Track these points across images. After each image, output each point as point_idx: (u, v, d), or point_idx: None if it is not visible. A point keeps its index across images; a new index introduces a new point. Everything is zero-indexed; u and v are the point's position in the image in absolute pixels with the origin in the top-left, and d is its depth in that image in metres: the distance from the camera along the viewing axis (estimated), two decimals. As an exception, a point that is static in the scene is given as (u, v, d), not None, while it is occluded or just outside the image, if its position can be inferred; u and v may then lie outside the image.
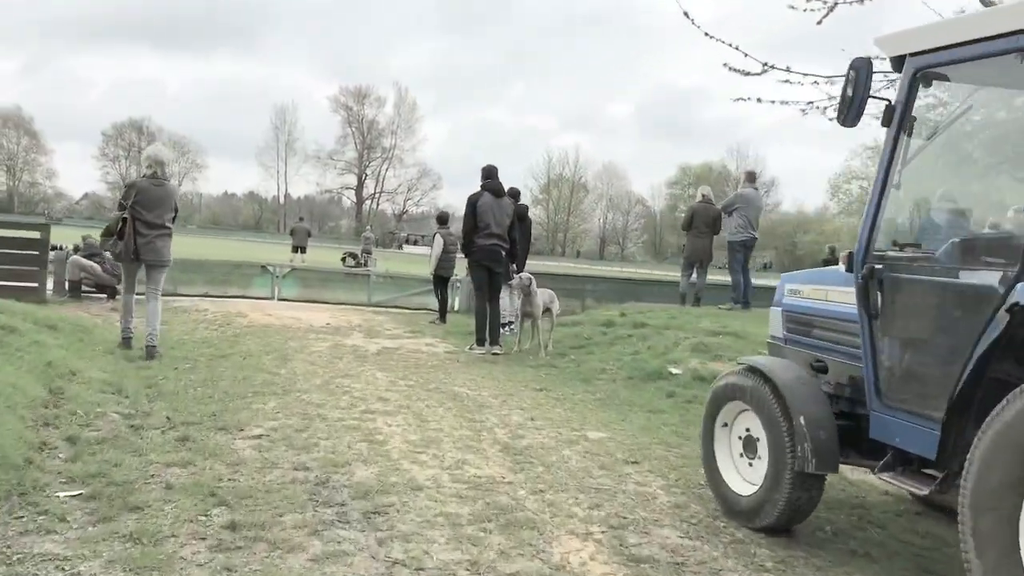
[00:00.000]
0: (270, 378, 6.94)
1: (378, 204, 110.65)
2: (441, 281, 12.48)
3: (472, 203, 9.28)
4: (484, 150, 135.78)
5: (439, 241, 12.18)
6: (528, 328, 9.92)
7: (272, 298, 13.99)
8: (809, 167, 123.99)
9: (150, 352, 7.61)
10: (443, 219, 12.55)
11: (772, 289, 5.54)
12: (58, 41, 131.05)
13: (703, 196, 12.24)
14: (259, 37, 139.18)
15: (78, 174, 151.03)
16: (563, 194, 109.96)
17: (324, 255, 44.27)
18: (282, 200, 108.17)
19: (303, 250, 30.40)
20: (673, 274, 17.91)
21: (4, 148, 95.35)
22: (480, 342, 9.28)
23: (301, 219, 35.41)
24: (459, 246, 10.17)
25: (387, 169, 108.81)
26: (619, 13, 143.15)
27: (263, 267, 14.22)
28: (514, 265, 9.85)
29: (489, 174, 9.47)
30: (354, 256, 27.14)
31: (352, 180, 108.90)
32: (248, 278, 14.00)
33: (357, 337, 9.96)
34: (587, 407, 6.82)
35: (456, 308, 14.38)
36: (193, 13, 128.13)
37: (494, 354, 9.14)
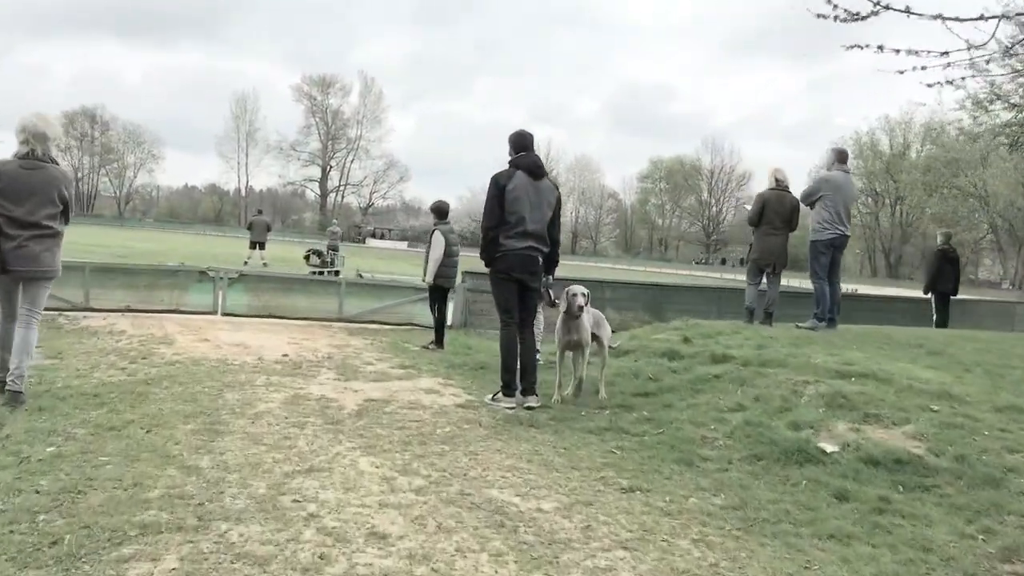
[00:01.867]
0: (179, 482, 4.00)
1: (343, 197, 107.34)
2: (440, 294, 9.55)
3: (499, 186, 6.36)
4: (452, 143, 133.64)
5: (439, 240, 9.25)
6: (568, 365, 7.05)
7: (215, 312, 10.94)
8: (775, 162, 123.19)
9: (14, 398, 5.25)
10: (442, 211, 9.57)
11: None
12: (17, 30, 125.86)
13: (776, 181, 9.38)
14: (225, 27, 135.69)
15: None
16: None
17: (286, 251, 40.99)
18: (243, 192, 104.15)
19: (262, 246, 27.25)
20: (662, 271, 15.30)
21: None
22: (508, 390, 6.35)
23: (260, 212, 32.20)
24: (481, 249, 6.73)
25: (352, 161, 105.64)
26: (587, 9, 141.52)
27: (203, 272, 11.13)
28: (548, 277, 6.92)
29: (522, 143, 6.58)
30: (319, 254, 23.99)
31: (316, 172, 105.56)
32: (184, 286, 10.92)
33: (327, 379, 6.99)
34: (724, 532, 3.96)
35: (450, 323, 11.50)
36: (157, 2, 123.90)
37: (529, 408, 6.24)
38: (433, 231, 9.40)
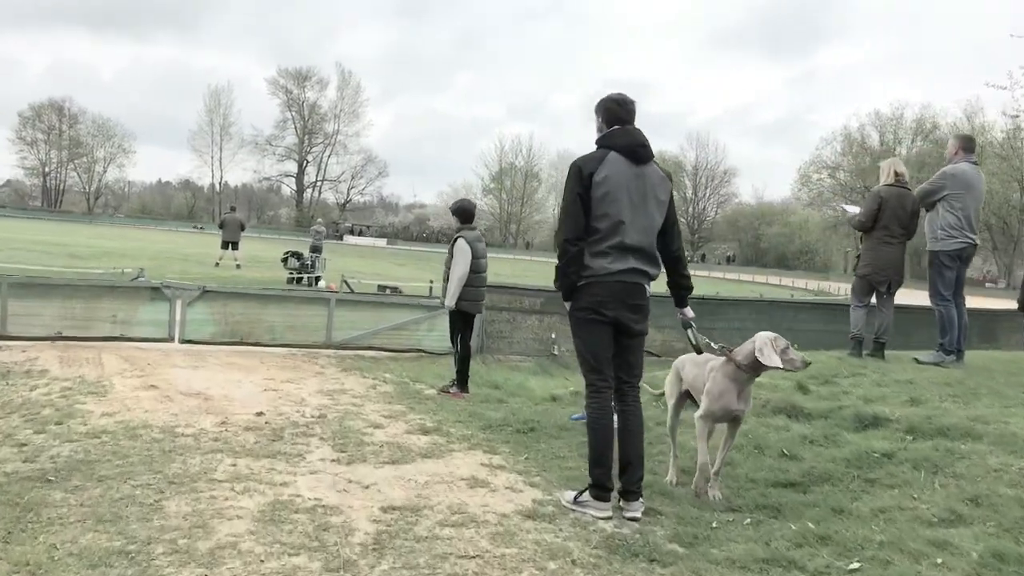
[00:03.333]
0: None
1: (320, 193, 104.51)
2: (464, 321, 7.37)
3: (583, 176, 4.18)
4: (431, 139, 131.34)
5: (464, 251, 7.07)
6: (687, 438, 4.94)
7: (171, 339, 8.71)
8: (756, 158, 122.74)
9: None
10: (467, 213, 7.33)
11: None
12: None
13: (896, 176, 7.28)
14: (201, 21, 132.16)
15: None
16: (515, 184, 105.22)
17: (262, 249, 38.53)
18: (218, 188, 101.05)
19: (235, 245, 24.94)
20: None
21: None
22: (601, 493, 4.15)
23: (232, 208, 29.74)
24: (557, 273, 4.34)
25: (330, 156, 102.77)
26: (568, 4, 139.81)
27: (156, 288, 8.86)
28: (687, 312, 4.71)
29: (618, 113, 4.38)
30: (298, 256, 21.67)
31: (292, 167, 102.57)
32: (133, 306, 8.67)
33: (321, 462, 4.78)
34: None
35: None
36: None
37: (632, 520, 4.10)
38: (456, 239, 7.21)
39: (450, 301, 7.11)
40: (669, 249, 4.49)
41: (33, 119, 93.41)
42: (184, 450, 4.79)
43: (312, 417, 5.86)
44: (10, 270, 15.47)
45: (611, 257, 4.22)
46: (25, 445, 4.76)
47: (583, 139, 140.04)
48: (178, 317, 8.73)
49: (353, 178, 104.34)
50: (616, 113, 4.41)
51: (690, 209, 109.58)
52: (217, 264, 24.47)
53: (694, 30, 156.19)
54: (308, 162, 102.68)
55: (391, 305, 10.30)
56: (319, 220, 32.02)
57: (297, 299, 9.68)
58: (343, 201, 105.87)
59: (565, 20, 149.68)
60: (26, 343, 8.02)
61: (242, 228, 25.92)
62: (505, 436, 5.73)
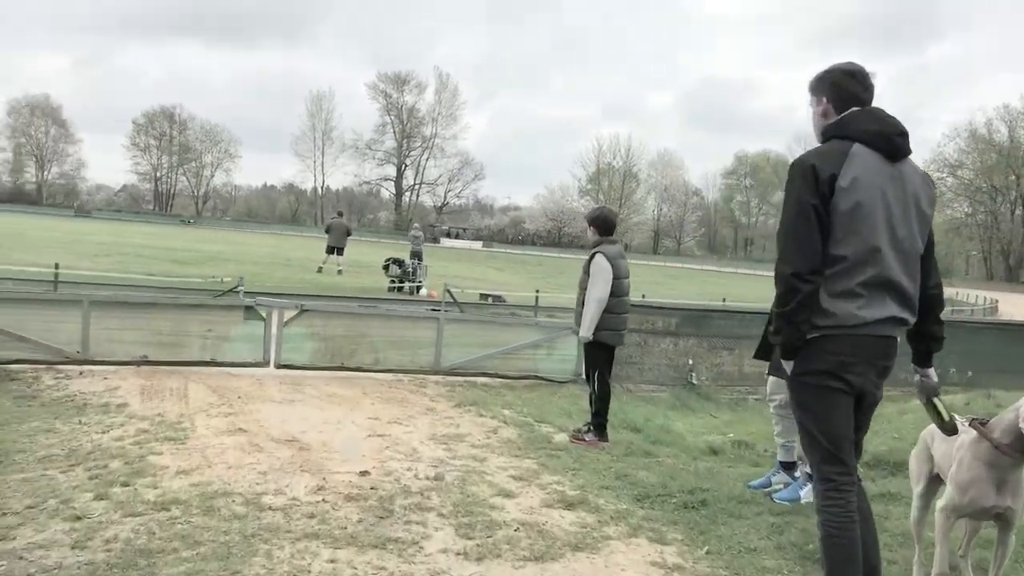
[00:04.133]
0: None
1: (418, 196, 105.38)
2: (604, 354, 6.11)
3: (821, 180, 2.87)
4: (525, 140, 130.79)
5: (604, 269, 5.82)
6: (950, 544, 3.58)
7: (266, 363, 7.80)
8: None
9: None
10: (608, 223, 6.06)
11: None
12: (108, 35, 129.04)
13: None
14: (305, 29, 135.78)
15: (109, 164, 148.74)
16: (613, 184, 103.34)
17: (363, 253, 38.30)
18: (320, 192, 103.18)
19: (340, 251, 24.40)
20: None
21: (32, 138, 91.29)
22: None
23: (339, 214, 29.13)
24: (774, 316, 2.99)
25: (427, 159, 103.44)
26: (661, 4, 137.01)
27: (250, 308, 7.97)
28: (930, 373, 3.33)
29: (850, 89, 3.04)
30: (400, 263, 20.87)
31: (391, 171, 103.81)
32: (225, 327, 7.80)
33: (441, 553, 3.61)
34: None
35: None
36: (241, 5, 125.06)
37: None
38: (594, 255, 5.96)
39: (586, 331, 5.86)
40: (924, 284, 3.13)
41: (146, 126, 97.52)
42: (271, 534, 3.73)
43: (427, 479, 4.74)
44: (110, 277, 15.19)
45: (863, 300, 2.91)
46: (80, 519, 3.81)
47: (682, 139, 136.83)
48: (274, 337, 7.82)
49: (450, 181, 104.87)
50: (849, 89, 3.09)
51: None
52: (320, 270, 24.03)
53: (796, 25, 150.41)
54: (406, 166, 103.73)
55: (504, 324, 9.13)
56: (416, 225, 31.37)
57: (403, 318, 8.63)
58: (440, 204, 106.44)
59: (662, 18, 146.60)
60: (109, 368, 7.24)
61: (348, 234, 25.43)
62: (670, 513, 4.46)
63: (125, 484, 4.31)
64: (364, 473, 4.75)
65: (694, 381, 9.11)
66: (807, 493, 4.76)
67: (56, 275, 13.75)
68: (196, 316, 7.76)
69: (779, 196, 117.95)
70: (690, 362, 9.24)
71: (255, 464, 4.81)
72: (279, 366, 7.78)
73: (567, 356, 8.70)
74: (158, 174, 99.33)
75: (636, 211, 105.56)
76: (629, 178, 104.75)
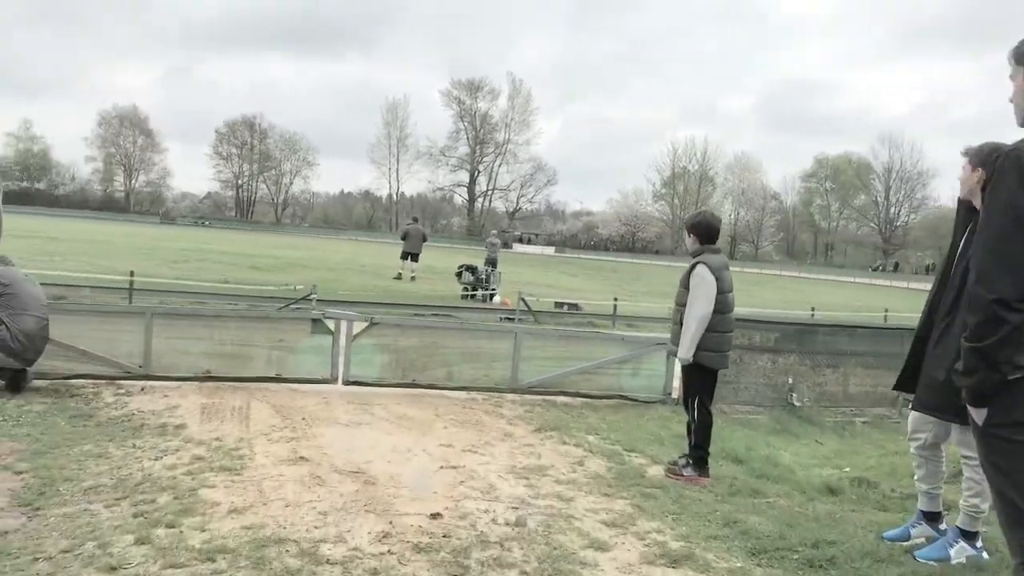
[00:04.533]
0: None
1: (490, 201, 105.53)
2: (706, 379, 5.39)
3: None
4: (597, 145, 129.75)
5: (707, 282, 5.12)
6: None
7: (334, 379, 7.35)
8: (954, 159, 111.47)
9: None
10: (710, 230, 5.36)
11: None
12: (198, 47, 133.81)
13: None
14: (382, 38, 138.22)
15: (194, 173, 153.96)
16: (689, 188, 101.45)
17: (436, 259, 38.13)
18: (395, 198, 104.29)
19: (415, 257, 24.16)
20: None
21: (121, 147, 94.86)
22: None
23: (415, 219, 28.69)
24: (971, 356, 2.33)
25: (500, 165, 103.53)
26: (741, 3, 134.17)
27: (317, 320, 7.52)
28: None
29: None
30: (473, 270, 20.41)
31: (464, 177, 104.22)
32: (292, 340, 7.38)
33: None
34: None
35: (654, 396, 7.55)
36: (321, 18, 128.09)
37: None
38: (695, 265, 5.27)
39: (686, 353, 5.17)
40: None
41: (228, 135, 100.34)
42: (327, 594, 3.19)
43: (507, 525, 4.14)
44: (187, 285, 15.16)
45: None
46: (115, 570, 3.34)
47: (760, 141, 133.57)
48: (342, 352, 7.36)
49: (522, 186, 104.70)
50: None
51: (881, 214, 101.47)
52: (399, 276, 23.80)
53: (878, 24, 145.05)
54: (479, 171, 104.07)
55: (586, 338, 8.48)
56: (493, 232, 30.83)
57: (477, 331, 8.07)
58: (512, 209, 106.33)
59: (739, 21, 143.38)
60: (171, 384, 6.89)
61: (424, 239, 25.18)
62: (792, 573, 3.76)
63: (171, 525, 3.84)
64: (436, 516, 4.18)
65: (795, 402, 8.30)
66: (958, 552, 3.99)
67: (131, 282, 13.72)
68: (262, 328, 7.37)
69: (861, 200, 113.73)
70: (790, 381, 8.42)
71: (315, 502, 4.29)
72: (347, 382, 7.31)
73: (655, 373, 8.01)
74: (239, 182, 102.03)
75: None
76: (705, 182, 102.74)
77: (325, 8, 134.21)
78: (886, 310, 20.40)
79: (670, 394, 7.97)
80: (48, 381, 6.73)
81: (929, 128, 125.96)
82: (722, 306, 5.19)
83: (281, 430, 5.77)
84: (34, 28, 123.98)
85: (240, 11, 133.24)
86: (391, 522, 4.05)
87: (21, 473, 4.52)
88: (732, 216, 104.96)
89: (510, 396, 7.61)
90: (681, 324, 5.27)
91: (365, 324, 7.44)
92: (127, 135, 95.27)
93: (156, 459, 4.97)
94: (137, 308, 7.13)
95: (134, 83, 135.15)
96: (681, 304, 5.29)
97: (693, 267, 5.26)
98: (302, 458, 5.08)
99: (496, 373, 7.77)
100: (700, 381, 5.31)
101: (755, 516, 4.54)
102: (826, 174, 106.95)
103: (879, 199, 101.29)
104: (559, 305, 18.70)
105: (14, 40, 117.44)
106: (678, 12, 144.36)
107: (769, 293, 35.23)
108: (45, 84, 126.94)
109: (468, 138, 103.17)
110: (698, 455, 5.31)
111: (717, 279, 5.16)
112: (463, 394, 7.51)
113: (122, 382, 6.88)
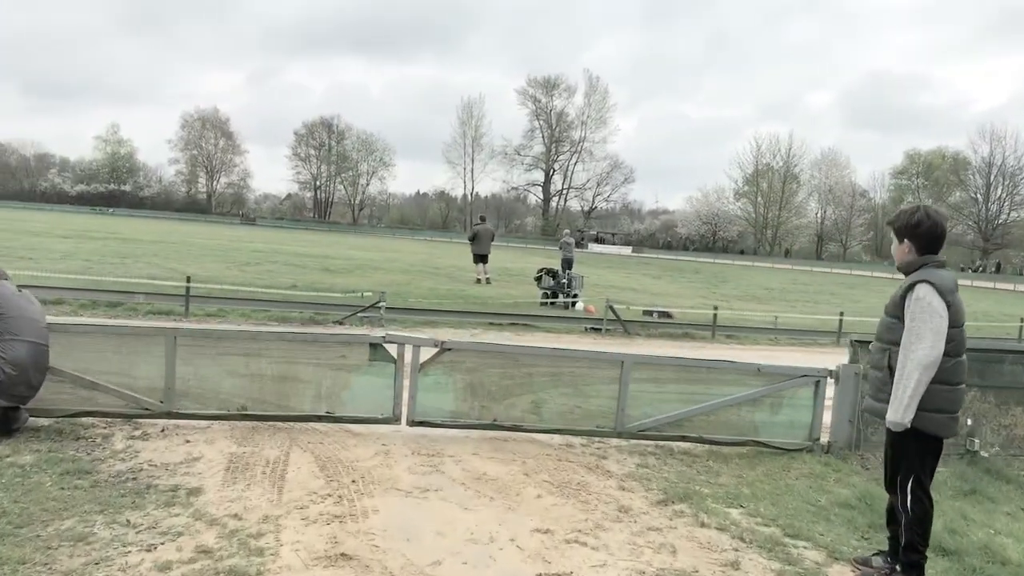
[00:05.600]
0: None
1: (565, 200, 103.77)
2: (927, 451, 3.62)
3: None
4: (674, 143, 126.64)
5: (937, 312, 3.46)
6: None
7: (396, 419, 5.90)
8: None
9: None
10: (932, 235, 3.61)
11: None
12: (280, 53, 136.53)
13: None
14: (458, 40, 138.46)
15: (274, 175, 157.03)
16: (773, 186, 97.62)
17: (511, 259, 36.86)
18: (469, 198, 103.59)
19: (485, 258, 22.81)
20: None
21: (203, 149, 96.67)
22: None
23: (483, 219, 26.97)
24: None
25: (576, 163, 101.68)
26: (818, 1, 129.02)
27: (375, 345, 6.08)
28: None
29: None
30: (553, 274, 18.85)
31: (539, 176, 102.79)
32: (346, 369, 5.96)
33: None
34: None
35: (828, 437, 5.87)
36: (398, 21, 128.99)
37: None
38: (914, 285, 3.62)
39: (903, 414, 3.51)
40: None
41: (306, 136, 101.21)
42: None
43: None
44: (248, 292, 14.05)
45: None
46: None
47: (845, 138, 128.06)
48: (407, 385, 5.92)
49: (599, 185, 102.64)
50: None
51: (981, 211, 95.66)
52: (479, 281, 22.45)
53: (969, 15, 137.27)
54: (554, 170, 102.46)
55: (705, 369, 6.77)
56: (567, 231, 29.14)
57: (574, 358, 6.50)
58: (588, 208, 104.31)
59: (820, 15, 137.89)
60: (198, 425, 5.57)
61: (492, 238, 23.78)
62: None
63: None
64: None
65: (979, 451, 6.49)
66: None
67: (187, 288, 12.67)
68: (310, 354, 5.97)
69: (957, 196, 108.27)
70: (968, 422, 6.61)
71: (354, 649, 2.83)
72: (413, 422, 5.87)
73: (798, 411, 6.32)
74: (317, 183, 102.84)
75: (797, 213, 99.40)
76: (790, 179, 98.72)
77: (401, 11, 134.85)
78: (1022, 320, 18.01)
79: (817, 439, 6.28)
80: (52, 420, 5.49)
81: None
82: (956, 346, 3.53)
83: (323, 500, 4.35)
84: (123, 37, 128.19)
85: (318, 17, 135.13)
86: None
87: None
88: (819, 215, 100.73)
89: (615, 442, 6.05)
90: (887, 370, 3.62)
91: (435, 349, 5.98)
92: (208, 137, 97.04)
93: (148, 550, 3.61)
94: (157, 329, 5.79)
95: (216, 88, 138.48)
96: (890, 342, 3.64)
97: (911, 288, 3.59)
98: (343, 555, 3.62)
99: (596, 410, 6.20)
100: (919, 455, 3.63)
101: None
102: (918, 170, 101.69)
103: (978, 195, 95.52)
104: (647, 312, 16.99)
105: (105, 49, 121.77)
106: (754, 7, 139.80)
107: (874, 298, 32.56)
108: (133, 91, 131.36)
109: (543, 136, 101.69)
110: (912, 559, 3.65)
111: (949, 306, 3.50)
112: (556, 439, 5.98)
113: (141, 420, 5.59)
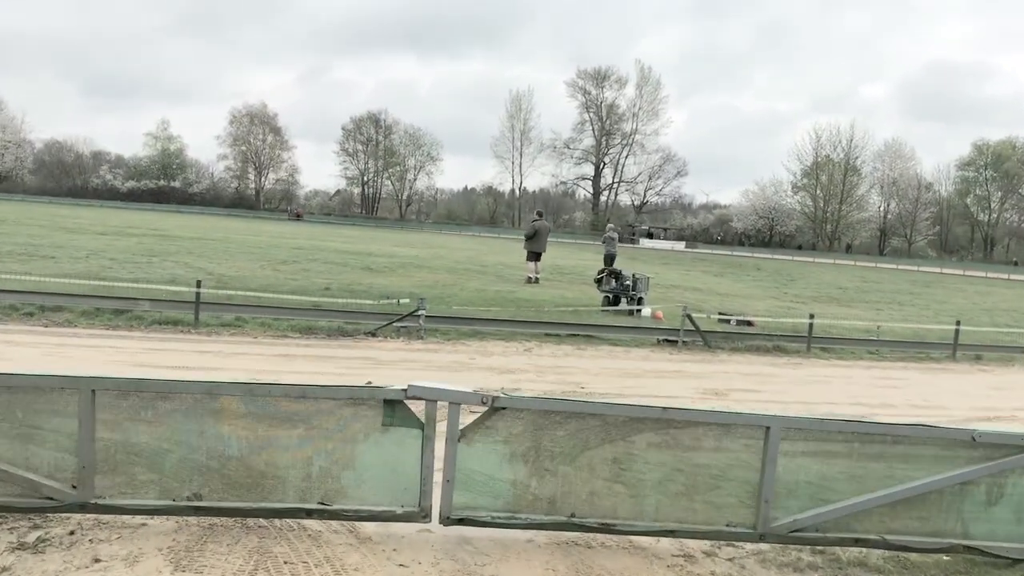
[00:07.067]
0: None
1: (616, 194, 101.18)
2: None
3: None
4: (726, 135, 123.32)
5: None
6: None
7: (423, 516, 3.92)
8: None
9: None
10: None
11: None
12: (330, 51, 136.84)
13: None
14: (507, 35, 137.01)
15: (322, 171, 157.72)
16: (833, 179, 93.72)
17: (562, 256, 34.75)
18: (517, 193, 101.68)
19: (539, 257, 20.89)
20: None
21: (251, 145, 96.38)
22: None
23: (540, 214, 24.31)
24: None
25: (627, 156, 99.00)
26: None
27: (392, 402, 4.08)
28: None
29: None
30: (617, 276, 16.70)
31: (589, 170, 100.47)
32: (350, 436, 4.00)
33: None
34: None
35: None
36: (447, 16, 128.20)
37: None
38: None
39: None
40: None
41: (354, 131, 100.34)
42: None
43: None
44: (270, 299, 12.19)
45: None
46: None
47: (903, 129, 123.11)
48: (439, 460, 3.97)
49: (650, 179, 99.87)
50: None
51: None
52: (530, 280, 20.50)
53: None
54: (604, 164, 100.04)
55: (890, 438, 4.56)
56: (610, 225, 27.02)
57: (694, 422, 4.38)
58: (639, 203, 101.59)
59: (873, 6, 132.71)
60: (125, 524, 3.68)
61: (548, 232, 21.90)
62: None
63: None
64: None
65: None
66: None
67: (198, 295, 10.94)
68: (297, 415, 4.02)
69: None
70: None
71: None
72: (449, 520, 3.89)
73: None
74: (365, 178, 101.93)
75: (858, 207, 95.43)
76: (851, 171, 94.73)
77: (452, 8, 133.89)
78: None
79: None
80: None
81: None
82: None
83: None
84: (175, 36, 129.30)
85: (366, 15, 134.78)
86: None
87: None
88: (881, 208, 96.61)
89: (751, 547, 3.99)
90: None
91: (482, 408, 3.99)
92: (256, 132, 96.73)
93: None
94: (68, 380, 3.82)
95: (266, 86, 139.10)
96: None
97: None
98: None
99: (722, 495, 4.15)
100: None
101: None
102: (986, 161, 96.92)
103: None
104: (723, 319, 14.79)
105: (161, 49, 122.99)
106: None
107: (959, 298, 29.71)
108: (185, 89, 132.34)
109: (594, 129, 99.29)
110: None
111: None
112: (666, 544, 3.94)
113: (40, 519, 3.72)
